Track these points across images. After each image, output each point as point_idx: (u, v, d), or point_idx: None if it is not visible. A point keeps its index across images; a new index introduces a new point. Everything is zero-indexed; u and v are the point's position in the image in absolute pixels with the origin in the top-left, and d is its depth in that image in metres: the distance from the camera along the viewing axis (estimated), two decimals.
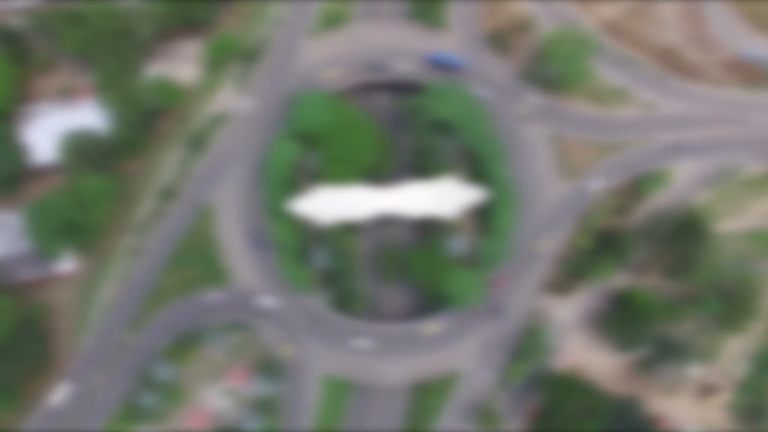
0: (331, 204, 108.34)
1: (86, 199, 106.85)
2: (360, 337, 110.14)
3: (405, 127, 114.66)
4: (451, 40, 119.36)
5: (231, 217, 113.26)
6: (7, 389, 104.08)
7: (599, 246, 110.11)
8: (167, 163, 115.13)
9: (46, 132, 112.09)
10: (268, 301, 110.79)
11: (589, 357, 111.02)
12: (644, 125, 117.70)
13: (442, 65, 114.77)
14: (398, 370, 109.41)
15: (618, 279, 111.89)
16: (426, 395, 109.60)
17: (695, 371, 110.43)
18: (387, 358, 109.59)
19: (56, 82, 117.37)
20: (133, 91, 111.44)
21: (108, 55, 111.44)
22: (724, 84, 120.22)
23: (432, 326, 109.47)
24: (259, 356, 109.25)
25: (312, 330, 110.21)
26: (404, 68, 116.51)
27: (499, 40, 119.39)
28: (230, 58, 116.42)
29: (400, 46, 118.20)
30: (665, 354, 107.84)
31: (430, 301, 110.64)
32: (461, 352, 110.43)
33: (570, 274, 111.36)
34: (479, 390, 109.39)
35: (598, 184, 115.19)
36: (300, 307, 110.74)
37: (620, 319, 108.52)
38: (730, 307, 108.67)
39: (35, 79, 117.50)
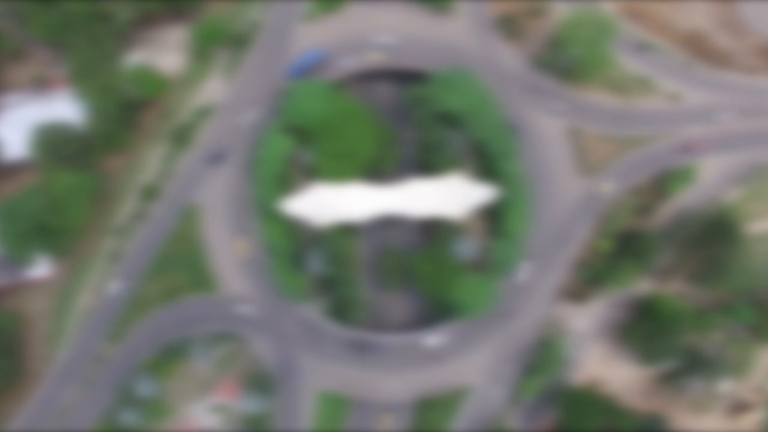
0: (328, 203, 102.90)
1: (60, 198, 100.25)
2: (359, 348, 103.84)
3: (408, 120, 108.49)
4: (458, 25, 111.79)
5: (218, 218, 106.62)
6: None
7: (620, 249, 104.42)
8: (149, 159, 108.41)
9: (17, 125, 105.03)
10: (258, 309, 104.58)
11: (609, 370, 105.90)
12: (669, 117, 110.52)
13: (303, 71, 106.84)
14: (401, 385, 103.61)
15: (640, 285, 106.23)
16: (431, 412, 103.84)
17: (726, 386, 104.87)
18: (388, 372, 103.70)
19: (28, 72, 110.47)
20: (112, 81, 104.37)
21: (83, 42, 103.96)
22: (756, 72, 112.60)
23: (432, 338, 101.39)
24: (248, 369, 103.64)
25: (306, 341, 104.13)
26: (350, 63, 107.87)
27: (511, 25, 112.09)
28: (218, 44, 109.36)
29: (401, 31, 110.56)
30: (693, 367, 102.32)
31: (436, 309, 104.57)
32: (470, 366, 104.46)
33: (588, 280, 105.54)
34: (489, 406, 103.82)
35: (618, 181, 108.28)
36: (293, 317, 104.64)
37: (643, 330, 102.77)
38: (763, 315, 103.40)
39: (5, 68, 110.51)
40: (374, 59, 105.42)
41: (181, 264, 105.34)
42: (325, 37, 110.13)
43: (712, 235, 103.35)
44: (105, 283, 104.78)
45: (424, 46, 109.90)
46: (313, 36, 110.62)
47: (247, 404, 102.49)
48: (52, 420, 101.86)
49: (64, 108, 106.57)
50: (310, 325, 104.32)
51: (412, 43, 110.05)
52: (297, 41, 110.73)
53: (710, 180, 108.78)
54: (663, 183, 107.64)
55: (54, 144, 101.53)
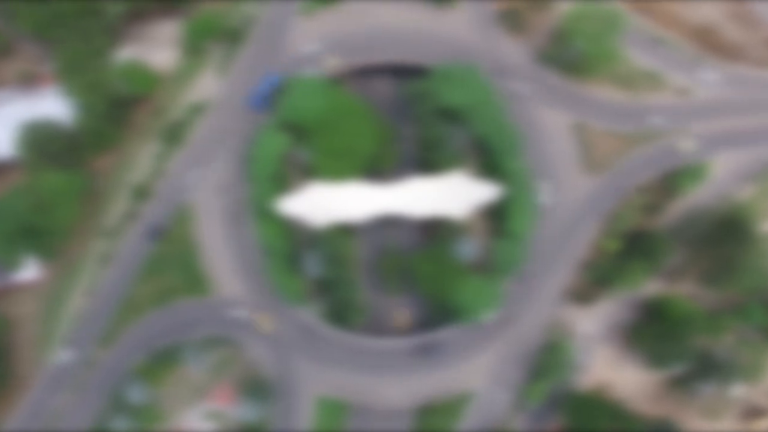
0: (325, 203, 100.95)
1: (48, 198, 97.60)
2: (356, 353, 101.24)
3: (408, 116, 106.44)
4: (460, 19, 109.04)
5: (212, 218, 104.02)
6: None
7: (628, 249, 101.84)
8: (140, 158, 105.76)
9: (4, 123, 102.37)
10: (254, 313, 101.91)
11: (616, 374, 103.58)
12: (678, 113, 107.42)
13: (264, 100, 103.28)
14: (402, 390, 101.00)
15: (649, 286, 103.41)
16: (433, 418, 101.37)
17: (738, 391, 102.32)
18: (389, 377, 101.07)
19: (15, 68, 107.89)
20: (102, 77, 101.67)
21: (72, 37, 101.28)
22: None
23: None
24: (244, 374, 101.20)
25: (304, 346, 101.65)
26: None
27: (514, 18, 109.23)
28: (211, 39, 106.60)
29: (402, 25, 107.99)
30: (704, 371, 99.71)
31: (438, 312, 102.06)
32: (473, 370, 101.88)
33: (595, 281, 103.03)
34: (493, 411, 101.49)
35: (626, 179, 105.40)
36: (290, 320, 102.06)
37: (652, 332, 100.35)
38: None
39: None
40: (332, 64, 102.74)
41: (174, 265, 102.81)
42: (323, 30, 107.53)
43: (724, 234, 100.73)
44: (95, 286, 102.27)
45: (424, 40, 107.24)
46: (310, 30, 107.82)
47: (242, 410, 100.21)
48: (42, 426, 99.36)
49: (52, 105, 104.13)
50: (307, 328, 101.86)
51: (412, 37, 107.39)
52: (294, 36, 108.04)
53: (721, 177, 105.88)
54: (672, 180, 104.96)
55: (42, 142, 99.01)
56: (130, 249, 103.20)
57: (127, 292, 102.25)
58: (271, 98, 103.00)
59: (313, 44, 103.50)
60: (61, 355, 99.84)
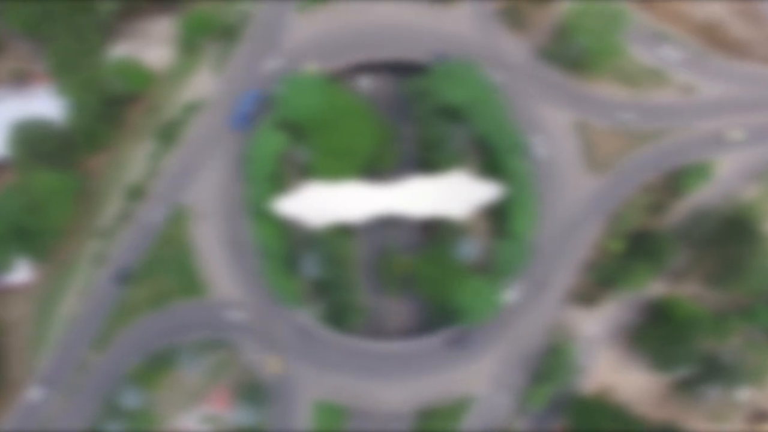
0: (323, 203, 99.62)
1: (40, 199, 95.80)
2: (355, 356, 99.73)
3: (408, 114, 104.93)
4: (460, 15, 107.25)
5: (208, 219, 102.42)
6: None
7: (632, 250, 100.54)
8: (135, 157, 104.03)
9: None
10: (250, 315, 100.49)
11: (620, 377, 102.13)
12: (682, 111, 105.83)
13: (247, 118, 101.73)
14: (402, 394, 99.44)
15: (653, 287, 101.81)
16: (433, 422, 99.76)
17: (745, 394, 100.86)
18: (388, 381, 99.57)
19: (7, 66, 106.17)
20: (95, 75, 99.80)
21: (65, 35, 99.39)
22: None
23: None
24: (241, 378, 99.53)
25: (302, 348, 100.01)
26: None
27: (515, 15, 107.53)
28: (206, 36, 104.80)
29: (401, 22, 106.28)
30: (710, 374, 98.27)
31: (438, 314, 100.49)
32: (473, 373, 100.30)
33: (598, 282, 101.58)
34: (495, 416, 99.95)
35: (629, 178, 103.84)
36: (288, 323, 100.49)
37: (657, 334, 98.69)
38: None
39: None
40: (311, 70, 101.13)
41: (169, 267, 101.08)
42: (320, 27, 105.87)
43: (730, 234, 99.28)
44: (89, 288, 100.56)
45: (424, 37, 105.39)
46: (307, 27, 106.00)
47: (239, 415, 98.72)
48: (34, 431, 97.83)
49: (44, 104, 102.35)
50: (305, 331, 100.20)
51: (411, 34, 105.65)
52: (290, 33, 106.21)
53: (727, 176, 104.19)
54: (677, 179, 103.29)
55: (34, 141, 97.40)
56: (124, 250, 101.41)
57: (122, 295, 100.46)
58: (254, 116, 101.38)
59: (278, 60, 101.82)
60: (34, 393, 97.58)
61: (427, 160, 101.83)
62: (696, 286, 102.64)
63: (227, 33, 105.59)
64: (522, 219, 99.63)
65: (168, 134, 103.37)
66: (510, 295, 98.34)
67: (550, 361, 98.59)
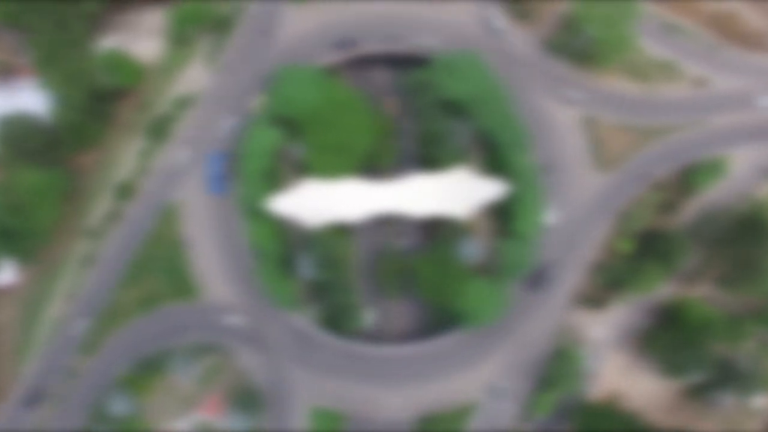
0: (320, 202, 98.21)
1: (25, 198, 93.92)
2: (354, 360, 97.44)
3: (409, 109, 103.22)
4: (465, 7, 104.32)
5: (200, 218, 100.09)
6: None
7: (641, 250, 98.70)
8: (124, 154, 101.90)
9: None
10: (245, 318, 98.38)
11: (630, 383, 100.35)
12: (695, 105, 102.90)
13: (220, 180, 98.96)
14: (402, 401, 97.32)
15: (664, 289, 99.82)
16: (435, 430, 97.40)
17: (760, 401, 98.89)
18: (388, 386, 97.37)
19: None
20: (82, 68, 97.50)
21: (50, 26, 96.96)
22: None
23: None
24: (235, 384, 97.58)
25: (298, 353, 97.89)
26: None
27: (521, 5, 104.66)
28: (198, 28, 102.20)
29: (404, 14, 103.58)
30: (723, 380, 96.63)
31: (440, 317, 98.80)
32: (477, 379, 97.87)
33: (607, 284, 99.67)
34: (499, 424, 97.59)
35: (639, 175, 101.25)
36: (284, 326, 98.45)
37: (668, 338, 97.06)
38: None
39: None
40: (253, 105, 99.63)
41: (159, 268, 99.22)
42: (316, 19, 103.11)
43: (744, 234, 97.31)
44: (77, 290, 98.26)
45: (425, 28, 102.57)
46: (302, 19, 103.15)
47: (233, 422, 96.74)
48: None
49: (29, 98, 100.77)
50: (301, 334, 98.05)
51: (412, 25, 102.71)
52: (285, 24, 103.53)
53: (741, 173, 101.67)
54: (689, 177, 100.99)
55: (19, 138, 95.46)
56: (113, 251, 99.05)
57: (111, 297, 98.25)
58: (226, 177, 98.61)
59: (186, 152, 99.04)
60: (21, 398, 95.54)
61: (427, 157, 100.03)
62: (708, 288, 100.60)
63: (220, 25, 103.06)
64: (527, 218, 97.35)
65: (159, 130, 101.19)
66: (550, 217, 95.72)
67: (557, 366, 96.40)
